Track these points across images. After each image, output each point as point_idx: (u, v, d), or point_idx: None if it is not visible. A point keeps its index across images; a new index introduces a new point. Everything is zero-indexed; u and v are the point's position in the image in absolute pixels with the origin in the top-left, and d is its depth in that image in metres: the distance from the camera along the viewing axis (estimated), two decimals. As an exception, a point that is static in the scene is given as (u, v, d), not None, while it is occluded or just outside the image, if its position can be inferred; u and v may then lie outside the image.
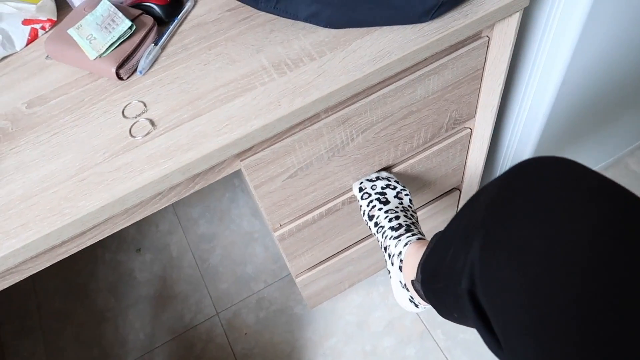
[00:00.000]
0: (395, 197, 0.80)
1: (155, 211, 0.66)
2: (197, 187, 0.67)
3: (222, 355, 1.25)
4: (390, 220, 0.76)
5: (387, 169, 0.85)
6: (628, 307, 0.33)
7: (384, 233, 0.76)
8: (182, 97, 0.62)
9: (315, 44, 0.64)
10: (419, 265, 0.66)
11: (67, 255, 0.64)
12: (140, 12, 0.70)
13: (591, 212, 0.36)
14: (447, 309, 0.58)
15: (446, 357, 1.16)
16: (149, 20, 0.69)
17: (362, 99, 0.68)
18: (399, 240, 0.73)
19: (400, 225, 0.75)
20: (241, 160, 0.66)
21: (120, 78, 0.65)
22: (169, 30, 0.69)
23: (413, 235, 0.74)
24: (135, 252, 1.45)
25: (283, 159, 0.69)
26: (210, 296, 1.34)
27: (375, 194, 0.80)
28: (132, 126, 0.61)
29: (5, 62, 0.71)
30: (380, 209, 0.78)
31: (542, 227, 0.37)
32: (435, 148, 0.87)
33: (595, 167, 1.29)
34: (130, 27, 0.65)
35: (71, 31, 0.66)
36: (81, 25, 0.66)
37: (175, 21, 0.70)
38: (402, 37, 0.62)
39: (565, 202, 0.37)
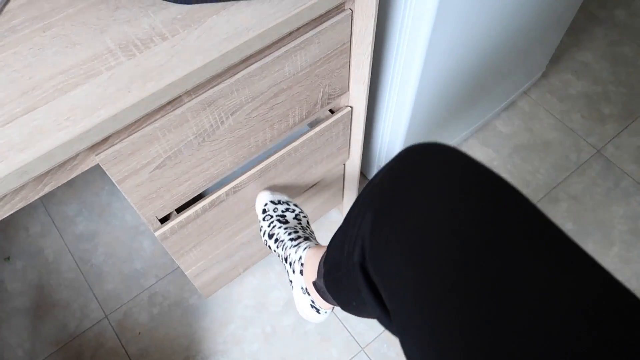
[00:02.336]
0: (294, 218, 0.87)
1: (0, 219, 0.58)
2: (47, 189, 0.59)
3: (115, 359, 1.17)
4: (289, 234, 0.83)
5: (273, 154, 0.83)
6: (491, 264, 0.36)
7: (283, 245, 0.82)
8: (12, 88, 0.54)
9: (166, 22, 0.59)
10: (320, 262, 0.68)
11: None
12: (-47, -11, 0.59)
13: (463, 186, 0.41)
14: (347, 297, 0.60)
15: (345, 326, 1.19)
16: (-36, -2, 0.59)
17: (226, 79, 0.64)
18: (299, 246, 0.79)
19: (299, 237, 0.82)
20: (96, 155, 0.60)
21: None
22: (-9, 10, 0.59)
23: (311, 242, 0.80)
24: (3, 261, 1.30)
25: (146, 150, 0.63)
26: (97, 299, 1.25)
27: (277, 216, 0.87)
28: (-50, 126, 0.51)
29: None
30: (280, 227, 0.85)
31: (425, 199, 0.41)
32: (317, 129, 0.86)
33: (468, 129, 1.37)
34: (-64, 8, 0.55)
35: None
36: None
37: (0, -1, 0.61)
38: (260, 12, 0.59)
39: (444, 180, 0.42)
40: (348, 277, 0.54)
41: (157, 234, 0.78)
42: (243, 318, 1.21)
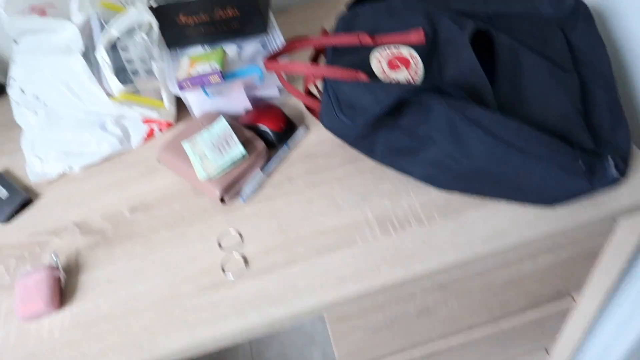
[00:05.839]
0: None
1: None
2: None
3: None
4: None
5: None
6: None
7: None
8: (279, 237, 0.60)
9: (425, 205, 0.61)
10: None
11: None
12: (252, 134, 0.70)
13: None
14: None
15: None
16: (260, 145, 0.69)
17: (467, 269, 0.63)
18: None
19: None
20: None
21: (222, 201, 0.65)
22: (277, 158, 0.69)
23: None
24: None
25: (369, 316, 0.65)
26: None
27: None
28: (225, 261, 0.59)
29: (120, 158, 0.74)
30: None
31: None
32: (533, 317, 0.79)
33: None
34: (243, 156, 0.66)
35: (185, 145, 0.67)
36: (196, 142, 0.68)
37: (285, 148, 0.70)
38: (521, 216, 0.57)
39: None
40: None
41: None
42: None
